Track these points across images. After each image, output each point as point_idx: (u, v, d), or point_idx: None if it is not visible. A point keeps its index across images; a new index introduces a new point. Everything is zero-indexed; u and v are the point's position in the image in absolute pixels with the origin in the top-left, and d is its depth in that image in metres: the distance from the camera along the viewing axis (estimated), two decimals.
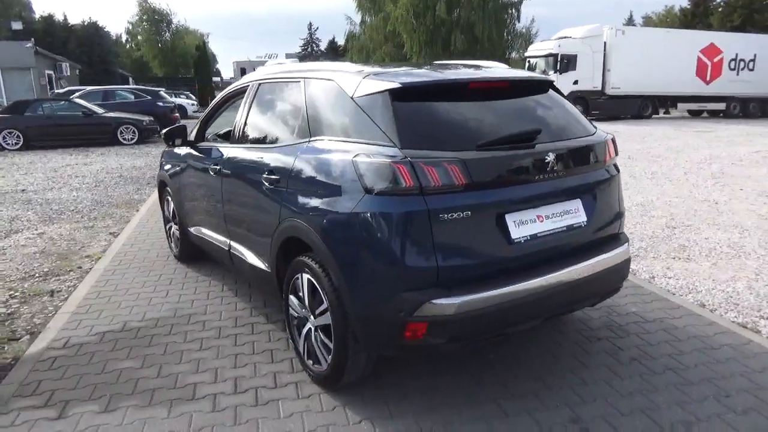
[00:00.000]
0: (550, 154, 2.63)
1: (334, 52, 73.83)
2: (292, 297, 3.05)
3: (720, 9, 36.87)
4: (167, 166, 4.96)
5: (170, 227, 5.19)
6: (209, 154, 4.07)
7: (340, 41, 75.04)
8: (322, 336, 2.82)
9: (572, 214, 2.78)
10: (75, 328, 3.72)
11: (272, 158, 3.12)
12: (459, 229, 2.41)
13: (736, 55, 23.76)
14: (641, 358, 3.16)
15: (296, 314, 3.04)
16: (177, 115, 19.64)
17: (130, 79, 48.71)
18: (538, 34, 46.18)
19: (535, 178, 2.61)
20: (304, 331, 2.98)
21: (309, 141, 2.89)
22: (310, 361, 2.97)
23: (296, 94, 3.16)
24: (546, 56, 22.46)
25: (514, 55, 38.36)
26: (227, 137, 4.45)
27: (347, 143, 2.65)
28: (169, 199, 5.00)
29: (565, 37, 22.41)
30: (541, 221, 2.64)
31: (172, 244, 5.17)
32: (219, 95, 4.28)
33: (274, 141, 3.26)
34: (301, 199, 2.79)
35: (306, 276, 2.84)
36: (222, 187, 3.71)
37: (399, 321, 2.40)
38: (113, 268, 4.95)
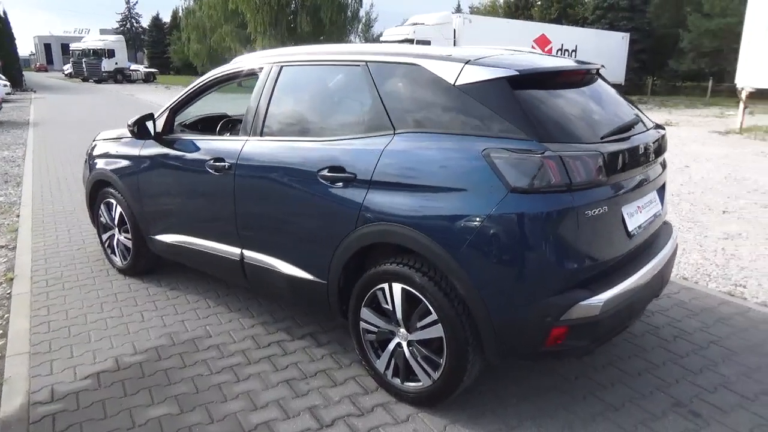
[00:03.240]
0: (648, 144, 2.64)
1: (158, 30, 68.23)
2: (366, 310, 2.71)
3: (539, 2, 40.98)
4: (111, 164, 4.12)
5: (111, 236, 4.34)
6: (198, 148, 3.44)
7: (166, 18, 69.81)
8: (424, 350, 2.54)
9: (654, 203, 2.83)
10: (51, 373, 2.94)
11: (335, 154, 2.72)
12: (597, 225, 2.32)
13: (562, 45, 26.54)
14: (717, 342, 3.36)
15: (374, 329, 2.71)
16: None
17: None
18: (378, 19, 47.25)
19: (638, 169, 2.59)
20: (391, 346, 2.66)
21: (394, 134, 2.56)
22: (398, 380, 2.67)
23: (358, 81, 2.78)
24: (402, 41, 23.01)
25: (354, 38, 38.83)
26: (230, 129, 3.87)
27: (459, 137, 2.38)
28: (113, 202, 4.17)
29: (419, 24, 23.18)
30: (640, 212, 2.65)
31: (115, 256, 4.33)
32: (198, 80, 3.63)
33: (333, 134, 2.83)
34: (398, 201, 2.47)
35: (398, 286, 2.53)
36: (235, 188, 3.15)
37: (545, 327, 2.25)
38: (43, 291, 4.01)
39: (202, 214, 3.49)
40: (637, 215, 2.60)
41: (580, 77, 2.75)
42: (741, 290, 4.12)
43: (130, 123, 3.62)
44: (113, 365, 3.02)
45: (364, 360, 2.82)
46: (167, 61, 62.73)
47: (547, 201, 2.19)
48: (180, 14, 46.21)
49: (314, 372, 2.95)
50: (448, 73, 2.48)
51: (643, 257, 2.63)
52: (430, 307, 2.44)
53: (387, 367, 2.70)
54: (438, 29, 22.99)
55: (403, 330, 2.60)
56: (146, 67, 51.79)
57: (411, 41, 22.73)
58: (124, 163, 3.99)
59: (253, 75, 3.33)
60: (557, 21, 34.97)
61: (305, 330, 3.41)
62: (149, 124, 3.63)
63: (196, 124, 4.18)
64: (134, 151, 3.89)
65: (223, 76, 3.49)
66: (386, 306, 2.62)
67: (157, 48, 66.13)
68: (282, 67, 3.13)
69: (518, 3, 42.76)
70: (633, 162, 2.51)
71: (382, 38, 25.29)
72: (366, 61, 2.75)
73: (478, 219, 2.25)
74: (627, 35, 29.12)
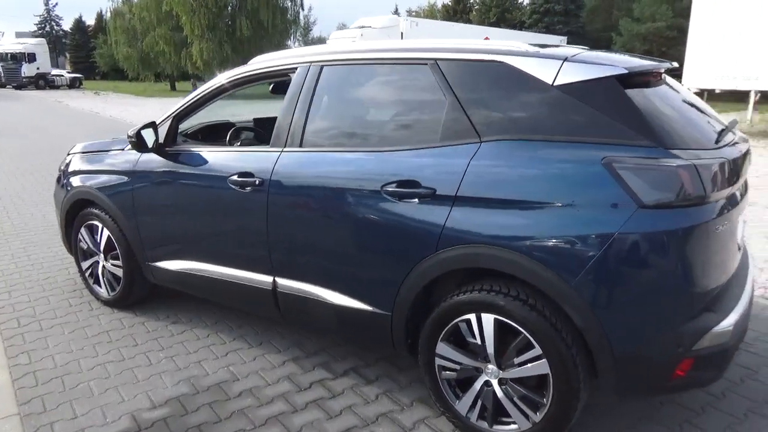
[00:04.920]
0: (748, 148, 2.43)
1: (82, 33, 64.67)
2: (444, 345, 2.36)
3: (476, 7, 41.69)
4: (95, 180, 3.55)
5: (94, 264, 3.76)
6: (215, 162, 2.98)
7: (89, 20, 66.16)
8: (521, 389, 2.21)
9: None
10: None
11: (404, 166, 2.35)
12: (724, 240, 2.08)
13: None
14: None
15: (454, 366, 2.36)
16: None
17: None
18: (316, 22, 46.65)
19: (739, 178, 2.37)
20: (477, 385, 2.31)
21: (481, 142, 2.22)
22: (484, 423, 2.33)
23: (425, 82, 2.42)
24: None
25: (294, 43, 38.23)
26: (241, 138, 3.39)
27: (566, 145, 2.07)
28: (98, 225, 3.60)
29: (366, 27, 22.91)
30: (744, 223, 2.43)
31: (100, 286, 3.76)
32: (208, 84, 3.15)
33: (396, 143, 2.46)
34: (495, 220, 2.13)
35: (490, 317, 2.20)
36: (269, 208, 2.72)
37: (676, 358, 1.99)
38: (16, 332, 3.39)
39: (222, 238, 3.02)
40: (741, 226, 2.38)
41: (662, 76, 2.51)
42: None
43: (131, 133, 3.10)
44: (131, 425, 2.51)
45: (438, 401, 2.46)
46: (92, 66, 59.59)
47: (681, 216, 1.92)
48: (106, 16, 43.88)
49: (375, 417, 2.56)
50: (544, 71, 2.17)
51: (742, 272, 2.42)
52: (533, 341, 2.11)
53: (471, 409, 2.36)
54: (386, 32, 22.78)
55: (492, 366, 2.26)
56: (70, 72, 48.86)
57: None
58: (115, 179, 3.44)
59: (282, 77, 2.91)
60: (496, 25, 35.66)
61: (345, 364, 3.00)
62: (147, 134, 3.12)
63: (197, 134, 3.68)
64: (128, 166, 3.35)
65: (239, 79, 3.03)
66: (472, 340, 2.28)
67: (80, 52, 62.80)
68: (322, 67, 2.72)
69: (456, 7, 43.37)
70: (742, 168, 2.29)
71: (329, 41, 24.77)
72: (435, 59, 2.40)
73: (600, 239, 1.94)
74: (564, 38, 29.95)
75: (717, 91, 13.94)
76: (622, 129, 2.02)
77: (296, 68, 2.80)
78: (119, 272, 3.58)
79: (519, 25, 36.73)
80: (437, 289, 2.41)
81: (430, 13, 48.72)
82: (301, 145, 2.70)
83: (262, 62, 3.01)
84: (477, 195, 2.17)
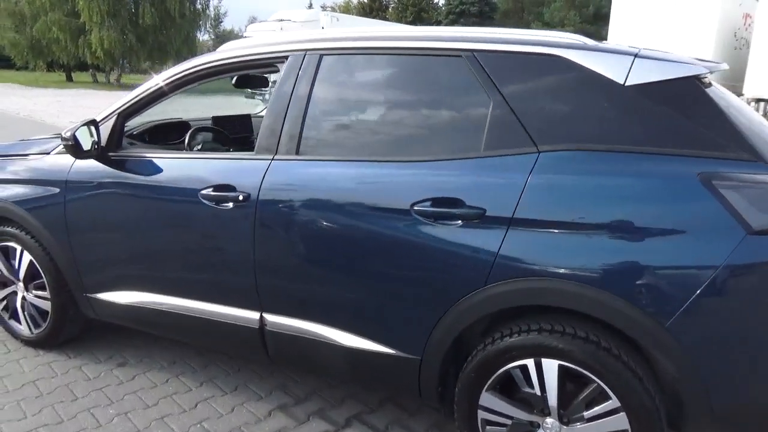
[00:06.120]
0: None
1: None
2: (489, 395, 1.96)
3: (393, 5, 41.73)
4: (12, 193, 2.83)
5: (10, 295, 3.02)
6: (180, 171, 2.42)
7: None
8: None
9: None
10: None
11: (441, 180, 1.93)
12: None
13: None
14: None
15: (503, 421, 1.97)
16: None
17: None
18: (227, 14, 45.22)
19: None
20: None
21: (539, 152, 1.84)
22: None
23: (460, 77, 2.00)
24: None
25: (203, 35, 36.50)
26: (221, 142, 2.83)
27: (648, 157, 1.74)
28: (15, 248, 2.88)
29: (285, 20, 22.07)
30: None
31: (18, 323, 3.02)
32: (167, 74, 2.54)
33: (425, 152, 2.02)
34: (564, 247, 1.76)
35: (553, 363, 1.83)
36: (256, 229, 2.20)
37: None
38: None
39: (191, 265, 2.45)
40: None
41: None
42: None
43: (66, 135, 2.45)
44: None
45: None
46: None
47: None
48: None
49: None
50: (612, 69, 1.83)
51: None
52: (609, 391, 1.77)
53: None
54: (307, 26, 22.01)
55: (552, 420, 1.90)
56: None
57: None
58: (40, 191, 2.74)
59: (266, 68, 2.41)
60: (412, 24, 35.84)
61: (345, 411, 2.53)
62: (84, 135, 2.48)
63: (143, 135, 3.04)
64: (57, 174, 2.68)
65: (208, 69, 2.47)
66: (528, 390, 1.90)
67: None
68: (322, 56, 2.23)
69: (372, 5, 43.15)
70: None
71: (245, 35, 23.70)
72: (472, 51, 1.98)
73: (701, 272, 1.63)
74: None
75: None
76: (713, 139, 1.71)
77: (287, 57, 2.29)
78: (45, 305, 2.88)
79: (436, 25, 37.17)
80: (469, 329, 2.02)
81: (346, 10, 48.13)
82: (297, 153, 2.20)
83: (238, 49, 2.46)
84: (541, 217, 1.79)
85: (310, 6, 58.19)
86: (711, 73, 1.91)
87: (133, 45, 31.51)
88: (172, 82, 2.51)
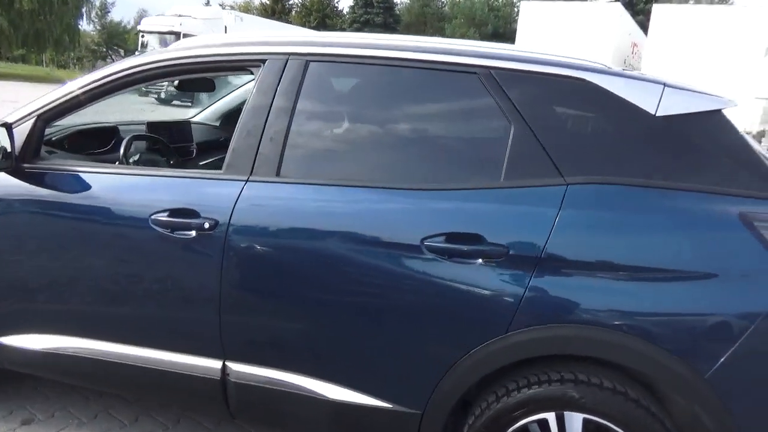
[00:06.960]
0: None
1: None
2: None
3: (297, 9, 41.10)
4: None
5: None
6: (120, 190, 2.00)
7: None
8: None
9: None
10: None
11: (456, 212, 1.70)
12: None
13: None
14: None
15: None
16: None
17: None
18: (115, 4, 42.94)
19: None
20: None
21: (567, 184, 1.66)
22: None
23: (474, 96, 1.79)
24: (167, 33, 20.60)
25: (88, 24, 33.88)
26: (161, 154, 2.38)
27: (684, 194, 1.62)
28: None
29: (185, 16, 20.97)
30: None
31: None
32: (103, 72, 2.09)
33: (434, 179, 1.78)
34: (596, 290, 1.60)
35: (577, 416, 1.66)
36: (224, 264, 1.84)
37: None
38: None
39: (133, 303, 2.02)
40: None
41: None
42: None
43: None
44: None
45: None
46: None
47: None
48: None
49: None
50: (641, 97, 1.70)
51: None
52: None
53: None
54: (208, 24, 21.09)
55: None
56: None
57: (177, 34, 20.47)
58: None
59: (234, 71, 2.06)
60: (316, 29, 35.53)
61: None
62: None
63: (62, 142, 2.52)
64: None
65: (157, 69, 2.06)
66: None
67: None
68: (308, 62, 1.91)
69: (275, 6, 42.19)
70: None
71: (140, 28, 22.26)
72: (489, 68, 1.78)
73: (744, 319, 1.53)
74: None
75: None
76: (749, 176, 1.63)
77: (264, 60, 1.95)
78: None
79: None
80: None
81: (245, 10, 46.78)
82: (278, 174, 1.87)
83: (198, 48, 2.08)
84: (573, 257, 1.62)
85: (207, 3, 56.04)
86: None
87: (6, 29, 28.50)
88: (112, 81, 2.06)
